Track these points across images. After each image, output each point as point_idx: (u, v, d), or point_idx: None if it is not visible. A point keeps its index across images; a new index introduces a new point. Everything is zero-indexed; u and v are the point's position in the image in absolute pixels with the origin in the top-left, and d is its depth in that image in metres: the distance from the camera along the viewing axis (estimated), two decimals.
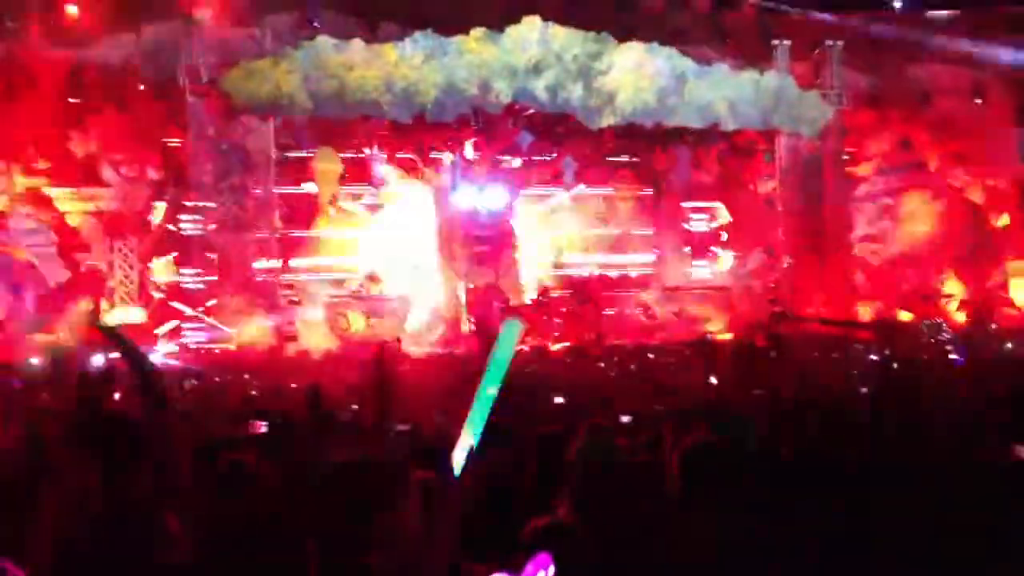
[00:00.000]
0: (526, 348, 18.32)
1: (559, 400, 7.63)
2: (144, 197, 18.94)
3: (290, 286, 19.00)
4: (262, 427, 5.93)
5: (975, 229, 21.88)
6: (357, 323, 19.00)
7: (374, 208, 20.40)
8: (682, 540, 3.56)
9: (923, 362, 12.36)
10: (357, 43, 17.31)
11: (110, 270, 18.64)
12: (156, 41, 17.80)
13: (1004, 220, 22.06)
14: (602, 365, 14.10)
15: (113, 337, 3.68)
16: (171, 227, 19.00)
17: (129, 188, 18.65)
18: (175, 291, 18.77)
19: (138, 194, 18.80)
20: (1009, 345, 15.19)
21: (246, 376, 12.84)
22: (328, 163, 19.21)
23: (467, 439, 3.27)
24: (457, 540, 3.20)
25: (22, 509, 3.77)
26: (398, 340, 18.52)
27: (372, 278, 20.17)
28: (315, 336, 18.76)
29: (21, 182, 18.22)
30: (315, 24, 17.95)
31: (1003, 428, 4.83)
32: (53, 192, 18.38)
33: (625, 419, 6.41)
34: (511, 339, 3.23)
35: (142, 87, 18.15)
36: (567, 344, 18.99)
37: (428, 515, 3.26)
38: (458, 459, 3.24)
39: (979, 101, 21.65)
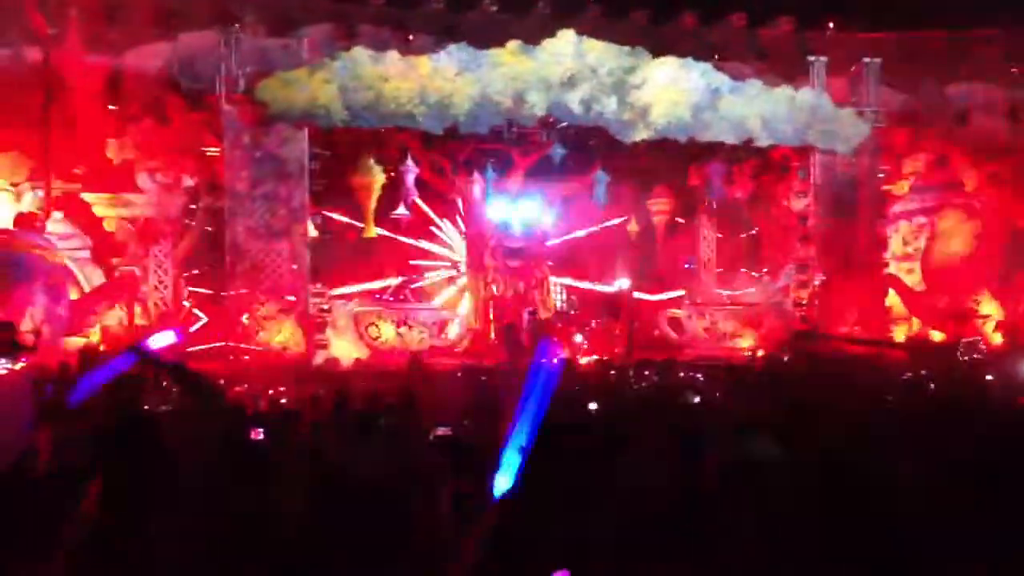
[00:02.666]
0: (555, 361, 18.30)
1: (593, 406, 7.57)
2: (179, 204, 19.10)
3: (321, 295, 19.05)
4: (259, 434, 5.91)
5: (1011, 249, 21.60)
6: (387, 332, 19.06)
7: (407, 219, 20.44)
8: (708, 556, 3.53)
9: (958, 382, 12.26)
10: (393, 54, 17.40)
11: (144, 275, 18.80)
12: (193, 50, 17.96)
13: None
14: (632, 380, 14.00)
15: (159, 365, 3.68)
16: (205, 234, 19.20)
17: (164, 195, 18.80)
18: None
19: (173, 201, 18.96)
20: None
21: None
22: (368, 174, 19.26)
23: (509, 466, 3.22)
24: (483, 550, 3.18)
25: (55, 507, 3.79)
26: (426, 350, 18.61)
27: (405, 287, 20.29)
28: (345, 345, 18.83)
29: (58, 187, 18.44)
30: None
31: None
32: (89, 197, 18.58)
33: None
34: (547, 384, 3.17)
35: (179, 95, 18.29)
36: (596, 358, 18.94)
37: (458, 522, 3.25)
38: (500, 483, 3.20)
39: (1018, 122, 21.40)
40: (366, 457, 4.52)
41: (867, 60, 20.50)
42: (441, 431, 5.29)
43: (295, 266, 18.38)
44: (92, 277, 18.60)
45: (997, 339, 20.70)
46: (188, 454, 3.61)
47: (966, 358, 17.26)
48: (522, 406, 3.20)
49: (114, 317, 18.15)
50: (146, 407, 7.18)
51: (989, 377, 12.66)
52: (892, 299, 21.65)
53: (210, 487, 3.47)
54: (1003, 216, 21.79)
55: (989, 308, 21.32)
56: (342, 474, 3.80)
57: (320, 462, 4.29)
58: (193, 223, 19.47)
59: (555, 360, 3.28)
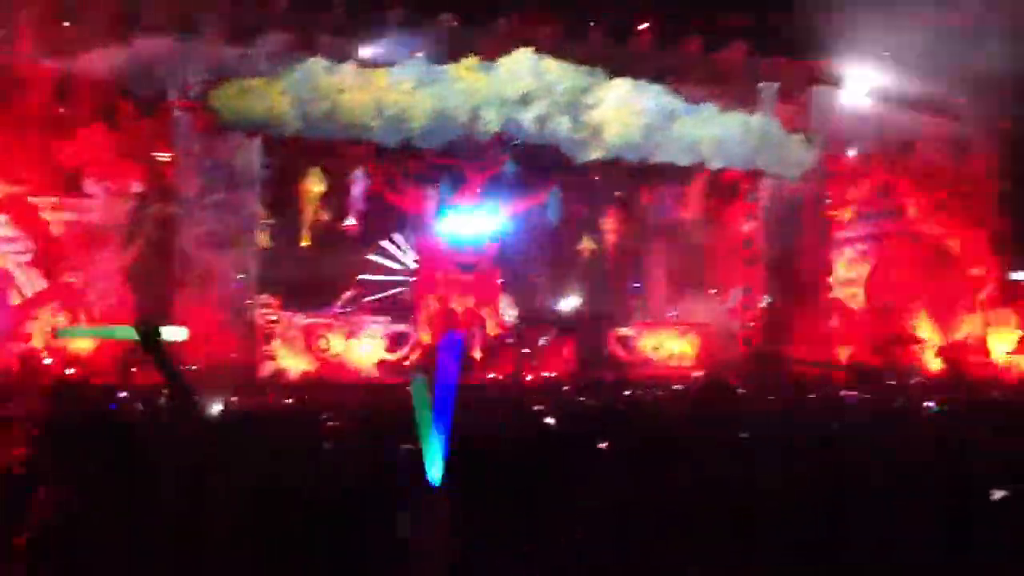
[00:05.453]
0: (501, 377, 18.41)
1: (549, 421, 7.65)
2: (126, 210, 18.82)
3: (269, 305, 18.89)
4: None
5: (951, 278, 22.11)
6: (336, 345, 18.95)
7: (358, 230, 20.36)
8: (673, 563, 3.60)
9: (896, 406, 12.55)
10: (349, 66, 17.37)
11: (88, 282, 18.46)
12: (147, 55, 17.71)
13: (980, 270, 22.33)
14: (582, 398, 14.09)
15: (153, 345, 3.64)
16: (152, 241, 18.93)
17: (112, 201, 18.54)
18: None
19: (120, 207, 18.69)
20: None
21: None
22: (314, 184, 19.22)
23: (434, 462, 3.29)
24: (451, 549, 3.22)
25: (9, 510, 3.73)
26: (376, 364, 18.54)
27: (356, 299, 20.20)
28: (293, 357, 18.67)
29: (3, 189, 18.08)
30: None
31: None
32: (35, 201, 18.23)
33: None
34: (420, 395, 3.27)
35: (131, 100, 18.05)
36: (544, 374, 19.03)
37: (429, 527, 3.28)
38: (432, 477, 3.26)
39: (961, 152, 21.90)
40: (331, 473, 4.52)
41: (816, 87, 20.92)
42: (405, 447, 5.29)
43: (242, 275, 18.22)
44: (35, 282, 18.24)
45: (935, 365, 21.16)
46: (161, 459, 3.57)
47: (904, 382, 17.68)
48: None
49: (56, 324, 17.78)
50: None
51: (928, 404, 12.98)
52: (835, 322, 22.04)
53: (180, 493, 3.44)
54: (944, 244, 22.32)
55: (927, 334, 21.80)
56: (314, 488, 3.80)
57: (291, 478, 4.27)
58: (140, 230, 19.19)
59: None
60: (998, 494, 4.56)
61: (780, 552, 3.52)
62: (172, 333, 3.76)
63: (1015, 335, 21.49)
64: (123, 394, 10.49)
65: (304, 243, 20.11)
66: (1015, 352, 21.32)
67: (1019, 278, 23.24)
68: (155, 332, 3.67)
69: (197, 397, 3.74)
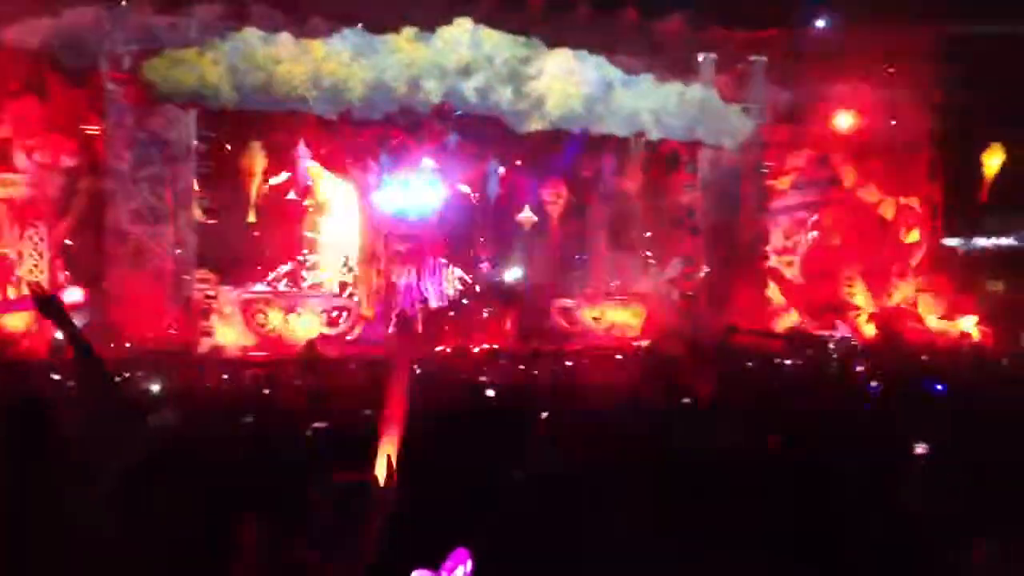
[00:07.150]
0: (448, 350, 18.38)
1: (490, 393, 7.67)
2: (58, 185, 18.39)
3: (206, 280, 18.63)
4: None
5: (886, 245, 22.54)
6: (275, 320, 18.77)
7: (299, 204, 20.16)
8: (609, 537, 3.63)
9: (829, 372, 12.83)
10: (285, 36, 17.08)
11: (19, 258, 18.06)
12: (76, 25, 17.27)
13: (914, 236, 22.78)
14: (523, 368, 14.14)
15: (55, 314, 3.56)
16: (85, 216, 18.54)
17: (43, 175, 18.10)
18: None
19: (52, 181, 18.26)
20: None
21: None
22: (254, 158, 18.96)
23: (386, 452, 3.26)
24: (379, 541, 3.20)
25: None
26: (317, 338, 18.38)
27: (294, 273, 20.00)
28: (231, 332, 18.47)
29: None
30: None
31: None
32: None
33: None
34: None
35: (60, 72, 17.60)
36: (488, 346, 19.04)
37: (348, 515, 3.25)
38: (380, 470, 3.24)
39: (894, 121, 22.27)
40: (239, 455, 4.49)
41: (753, 58, 21.11)
42: (318, 425, 5.25)
43: (179, 251, 17.96)
44: None
45: (869, 330, 21.58)
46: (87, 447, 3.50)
47: (840, 352, 17.96)
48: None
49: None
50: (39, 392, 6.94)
51: (859, 368, 13.25)
52: (772, 291, 22.37)
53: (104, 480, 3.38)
54: (878, 212, 22.72)
55: (861, 300, 22.22)
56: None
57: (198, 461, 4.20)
58: (72, 205, 18.78)
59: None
60: (920, 448, 4.72)
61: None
62: (68, 294, 3.72)
63: (948, 300, 21.99)
64: (57, 376, 10.27)
65: (249, 219, 19.83)
66: (947, 317, 21.83)
67: (952, 244, 23.80)
68: (50, 297, 3.60)
69: (101, 363, 3.66)
